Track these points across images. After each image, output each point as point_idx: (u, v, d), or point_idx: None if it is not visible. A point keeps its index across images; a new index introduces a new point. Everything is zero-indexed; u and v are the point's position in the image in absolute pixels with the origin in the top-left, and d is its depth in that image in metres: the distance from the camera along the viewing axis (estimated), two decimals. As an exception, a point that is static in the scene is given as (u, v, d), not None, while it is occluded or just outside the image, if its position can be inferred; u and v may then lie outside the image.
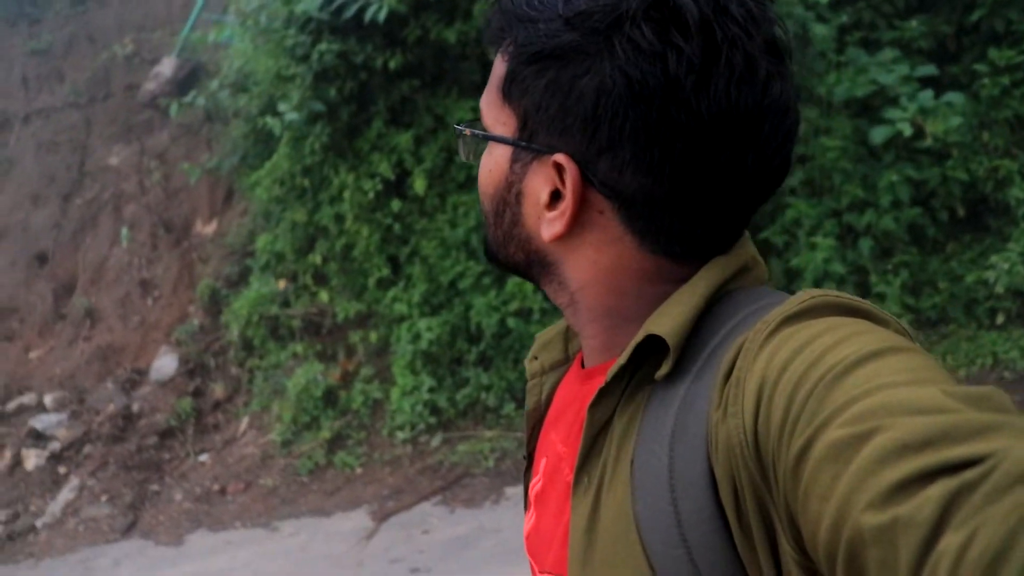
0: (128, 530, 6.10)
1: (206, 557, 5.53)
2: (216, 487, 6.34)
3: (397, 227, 6.47)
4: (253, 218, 8.59)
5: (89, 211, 9.68)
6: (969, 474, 0.47)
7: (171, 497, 6.38)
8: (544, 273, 0.84)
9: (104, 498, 6.46)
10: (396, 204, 6.30)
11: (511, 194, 0.81)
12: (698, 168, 0.72)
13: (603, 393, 0.76)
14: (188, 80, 9.91)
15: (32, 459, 7.17)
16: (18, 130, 10.35)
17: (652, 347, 0.74)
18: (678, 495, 0.67)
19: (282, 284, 6.74)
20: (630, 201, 0.75)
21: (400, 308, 6.37)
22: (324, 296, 6.59)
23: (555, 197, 0.78)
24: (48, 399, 7.87)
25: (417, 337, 6.25)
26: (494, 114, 0.80)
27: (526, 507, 0.95)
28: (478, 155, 0.85)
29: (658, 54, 0.69)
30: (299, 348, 6.75)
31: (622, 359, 0.74)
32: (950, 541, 0.45)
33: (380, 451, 6.24)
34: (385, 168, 6.27)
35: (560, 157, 0.75)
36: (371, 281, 6.48)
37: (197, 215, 9.42)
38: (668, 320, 0.73)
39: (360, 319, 6.66)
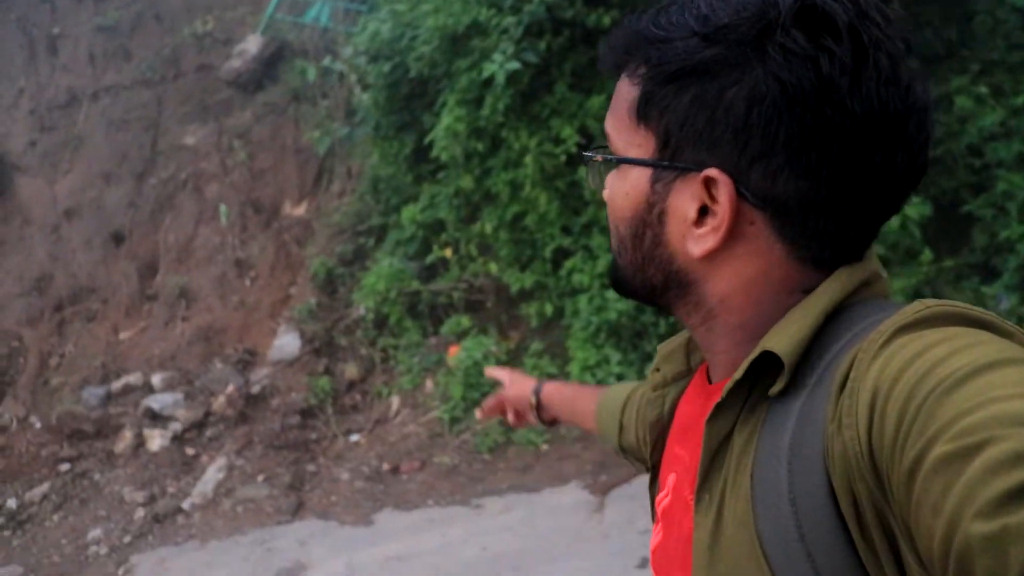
0: (297, 510, 5.55)
1: (408, 535, 5.02)
2: (386, 466, 5.82)
3: (574, 196, 6.09)
4: (360, 196, 8.12)
5: (166, 190, 9.09)
6: None
7: (335, 476, 5.83)
8: (682, 294, 0.82)
9: (260, 478, 5.89)
10: (584, 171, 5.89)
11: (652, 215, 0.79)
12: (854, 169, 0.72)
13: (720, 408, 0.76)
14: (274, 58, 9.42)
15: (156, 440, 6.56)
16: (87, 108, 9.71)
17: (769, 363, 0.73)
18: (799, 509, 0.66)
19: (448, 252, 6.27)
20: (784, 208, 0.74)
21: (580, 279, 5.97)
22: (492, 267, 6.14)
23: (702, 212, 0.77)
24: (156, 379, 7.25)
25: (601, 309, 5.85)
26: (627, 137, 0.80)
27: (654, 520, 0.93)
28: (602, 180, 0.85)
29: (811, 57, 0.69)
30: (464, 321, 6.28)
31: (737, 375, 0.74)
32: None
33: (565, 427, 5.80)
34: (569, 133, 5.88)
35: (712, 171, 0.74)
36: (547, 251, 6.07)
37: (285, 196, 8.91)
38: (784, 337, 0.72)
39: (528, 291, 6.23)
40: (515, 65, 5.33)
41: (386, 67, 6.80)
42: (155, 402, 6.87)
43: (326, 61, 8.29)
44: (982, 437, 0.51)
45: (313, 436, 6.33)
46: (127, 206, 9.06)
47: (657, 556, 0.89)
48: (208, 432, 6.67)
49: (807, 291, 0.77)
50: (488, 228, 6.13)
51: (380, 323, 6.96)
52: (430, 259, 6.40)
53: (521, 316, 6.40)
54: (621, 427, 1.33)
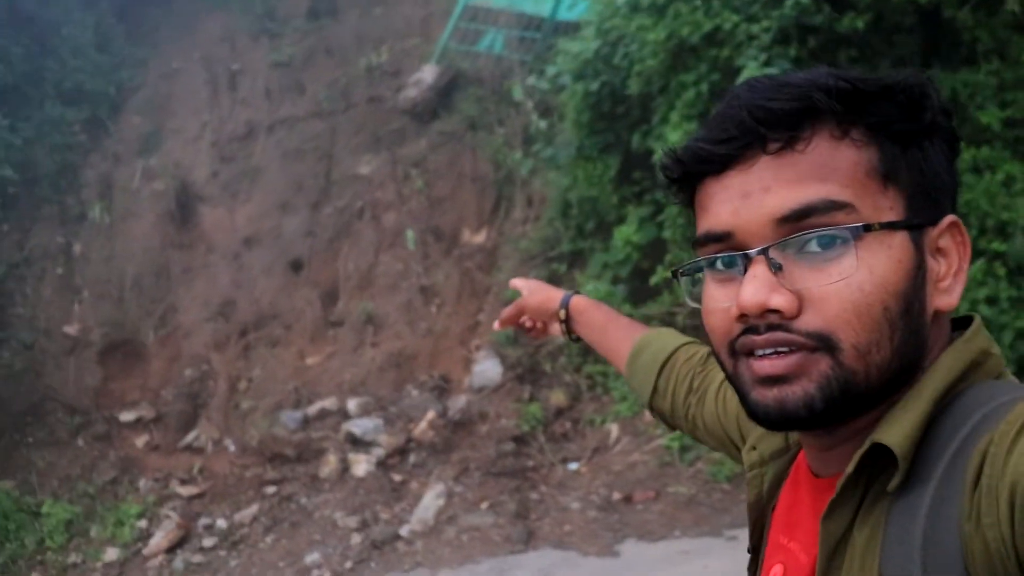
0: (529, 539, 5.21)
1: (664, 567, 4.63)
2: (617, 495, 5.45)
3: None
4: (549, 221, 7.88)
5: (342, 219, 9.01)
6: None
7: (564, 505, 5.48)
8: (912, 368, 0.75)
9: (484, 506, 5.58)
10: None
11: (919, 278, 0.74)
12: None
13: (835, 505, 0.73)
14: (449, 87, 9.32)
15: (362, 465, 6.33)
16: (263, 139, 9.76)
17: (883, 455, 0.71)
18: None
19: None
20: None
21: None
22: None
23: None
24: (351, 405, 7.06)
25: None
26: (875, 201, 0.74)
27: None
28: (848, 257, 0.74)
29: (948, 113, 0.78)
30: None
31: (849, 469, 0.72)
32: None
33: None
34: (805, 145, 5.51)
35: (950, 221, 0.77)
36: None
37: (463, 224, 8.73)
38: (896, 429, 0.70)
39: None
40: (775, 69, 5.00)
41: (594, 85, 6.56)
42: (356, 427, 6.66)
43: (516, 91, 8.11)
44: None
45: (530, 464, 6.01)
46: (305, 234, 9.00)
47: None
48: (412, 458, 6.42)
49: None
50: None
51: (586, 349, 6.64)
52: (655, 280, 6.07)
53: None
54: (655, 389, 1.28)
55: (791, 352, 0.72)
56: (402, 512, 5.79)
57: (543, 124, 8.83)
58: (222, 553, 5.92)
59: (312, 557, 5.53)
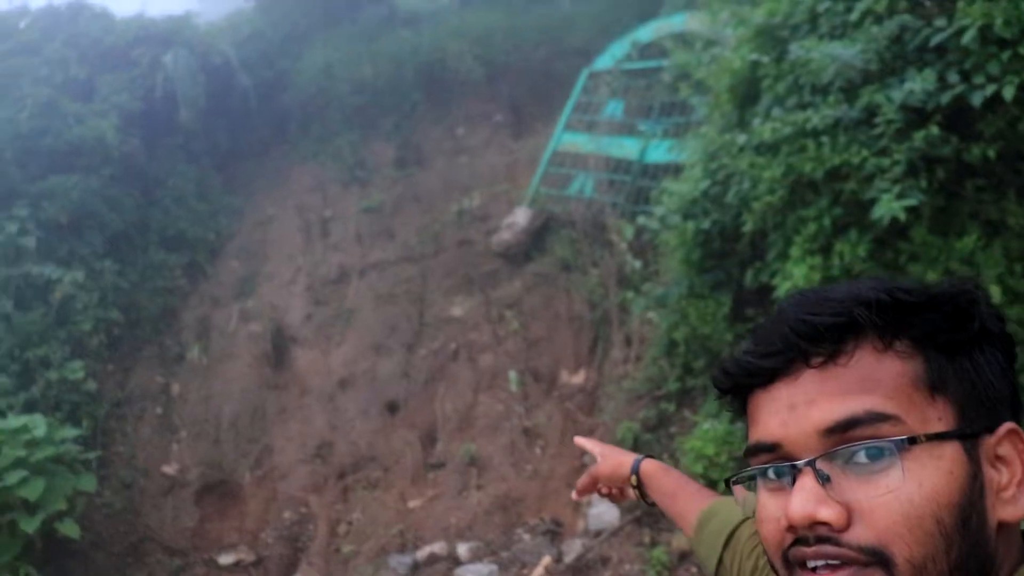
0: None
1: None
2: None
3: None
4: (654, 360, 7.81)
5: (437, 360, 9.01)
6: None
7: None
8: None
9: (625, 653, 5.31)
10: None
11: (975, 490, 0.72)
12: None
13: None
14: (542, 229, 9.48)
15: (486, 612, 6.09)
16: (355, 283, 9.93)
17: None
18: None
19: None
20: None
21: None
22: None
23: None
24: (462, 549, 6.85)
25: None
26: (922, 412, 0.73)
27: None
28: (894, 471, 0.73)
29: (999, 317, 0.79)
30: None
31: None
32: None
33: None
34: (934, 278, 5.45)
35: (1008, 428, 0.75)
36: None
37: (561, 365, 8.68)
38: None
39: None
40: (913, 201, 5.00)
41: (705, 224, 6.62)
42: (470, 573, 6.44)
43: (626, 231, 8.23)
44: None
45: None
46: (400, 376, 9.00)
47: None
48: (534, 605, 6.16)
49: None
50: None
51: (712, 483, 6.42)
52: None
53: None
54: (720, 561, 1.25)
55: (843, 566, 0.71)
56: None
57: (638, 264, 8.90)
58: None
59: None
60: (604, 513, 6.60)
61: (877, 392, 0.72)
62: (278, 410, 8.96)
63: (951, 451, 0.71)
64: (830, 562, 0.71)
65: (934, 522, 0.69)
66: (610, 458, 1.57)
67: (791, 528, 0.73)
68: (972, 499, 0.71)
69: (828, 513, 0.71)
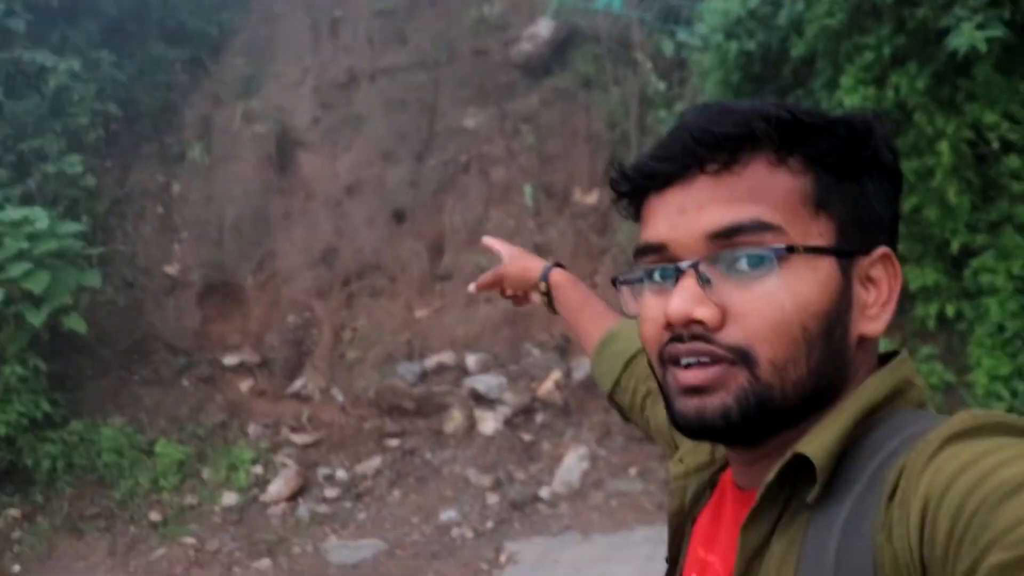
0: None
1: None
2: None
3: (986, 190, 5.37)
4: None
5: (447, 171, 8.71)
6: None
7: (715, 476, 5.24)
8: (833, 389, 0.76)
9: (632, 471, 5.32)
10: (1015, 160, 5.16)
11: (843, 304, 0.76)
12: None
13: (755, 516, 0.73)
14: (564, 43, 8.96)
15: (489, 423, 6.08)
16: (365, 88, 9.44)
17: (805, 470, 0.71)
18: None
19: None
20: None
21: (990, 280, 5.22)
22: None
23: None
24: (471, 361, 6.80)
25: (1021, 312, 5.09)
26: (805, 226, 0.75)
27: None
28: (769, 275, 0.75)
29: (893, 150, 0.82)
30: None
31: (769, 478, 0.72)
32: None
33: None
34: (994, 120, 5.15)
35: (882, 252, 0.78)
36: (954, 247, 5.34)
37: (575, 183, 8.42)
38: (817, 442, 0.71)
39: (917, 291, 5.51)
40: (996, 32, 4.61)
41: (750, 44, 6.20)
42: (480, 383, 6.40)
43: (666, 45, 7.77)
44: None
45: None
46: (408, 185, 8.72)
47: None
48: (538, 418, 6.15)
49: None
50: (881, 218, 5.43)
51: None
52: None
53: (906, 316, 5.69)
54: (618, 382, 1.28)
55: (712, 364, 0.74)
56: (539, 473, 5.54)
57: (661, 86, 8.49)
58: (347, 504, 5.70)
59: (448, 514, 5.29)
60: (616, 334, 6.52)
61: (765, 203, 0.74)
62: (282, 214, 8.72)
63: (826, 265, 0.74)
64: (701, 359, 0.74)
65: (800, 328, 0.72)
66: (518, 260, 1.54)
67: (668, 326, 0.76)
68: (839, 311, 0.74)
69: (704, 312, 0.73)
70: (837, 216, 0.76)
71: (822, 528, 0.68)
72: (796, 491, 0.72)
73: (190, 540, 5.70)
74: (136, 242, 8.32)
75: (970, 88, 5.30)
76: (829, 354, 0.74)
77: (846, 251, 0.75)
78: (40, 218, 6.63)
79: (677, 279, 0.75)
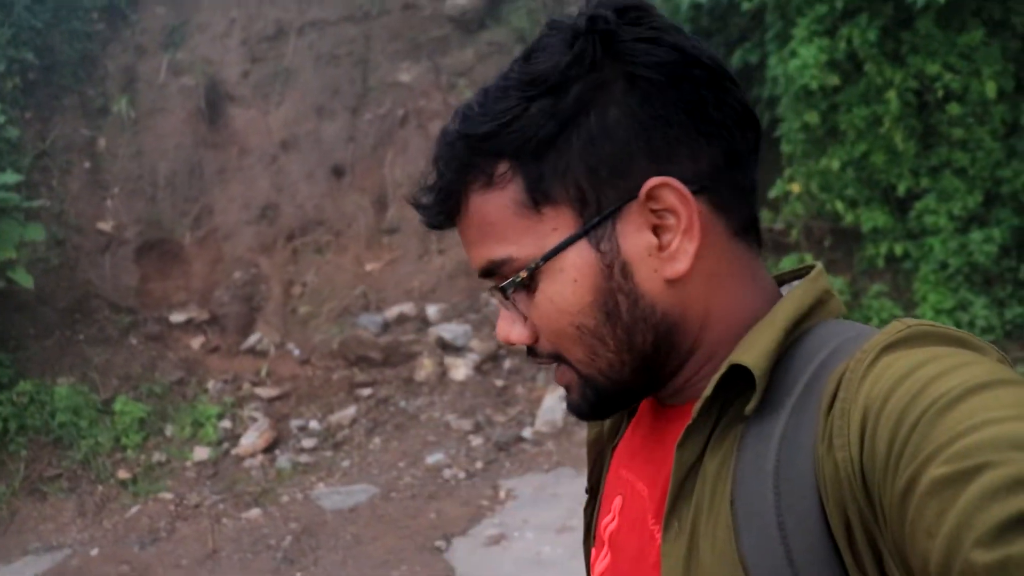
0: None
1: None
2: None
3: (928, 136, 5.73)
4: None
5: (384, 126, 8.62)
6: None
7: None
8: (674, 343, 0.72)
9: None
10: (955, 108, 5.53)
11: (615, 276, 0.70)
12: (727, 117, 0.71)
13: (690, 432, 0.69)
14: (497, -2, 8.96)
15: (461, 370, 6.14)
16: (294, 41, 9.19)
17: (738, 382, 0.68)
18: (788, 533, 0.62)
19: (796, 188, 5.86)
20: (712, 183, 0.70)
21: (932, 220, 5.60)
22: (839, 205, 5.75)
23: (654, 234, 0.70)
24: (431, 311, 6.82)
25: (961, 250, 5.50)
26: (535, 234, 0.70)
27: (592, 543, 0.88)
28: (529, 301, 0.73)
29: (651, 39, 0.69)
30: (807, 258, 5.90)
31: (707, 392, 0.68)
32: None
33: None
34: (936, 71, 5.50)
35: (649, 184, 0.68)
36: (901, 190, 5.69)
37: (514, 138, 8.47)
38: (752, 351, 0.67)
39: (866, 232, 5.85)
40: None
41: (704, -1, 6.38)
42: (446, 332, 6.44)
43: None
44: (979, 461, 0.49)
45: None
46: (346, 140, 8.59)
47: None
48: (506, 364, 6.26)
49: (762, 281, 0.75)
50: (835, 164, 5.74)
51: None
52: (773, 193, 6.01)
53: (856, 256, 6.03)
54: None
55: (558, 364, 0.75)
56: (519, 415, 5.65)
57: (596, 41, 8.60)
58: (327, 453, 5.69)
59: (435, 457, 5.35)
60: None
61: (491, 237, 0.71)
62: (217, 169, 8.45)
63: (573, 257, 0.70)
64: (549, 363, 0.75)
65: (575, 329, 0.71)
66: None
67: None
68: (610, 288, 0.70)
69: (518, 335, 0.74)
70: (565, 198, 0.69)
71: (758, 440, 0.66)
72: (729, 404, 0.70)
73: (167, 496, 5.57)
74: (64, 198, 7.91)
75: (913, 41, 5.63)
76: (626, 328, 0.71)
77: (594, 224, 0.69)
78: (-23, 169, 6.25)
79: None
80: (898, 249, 5.72)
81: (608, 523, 0.83)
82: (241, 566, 4.66)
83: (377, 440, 5.67)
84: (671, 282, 0.70)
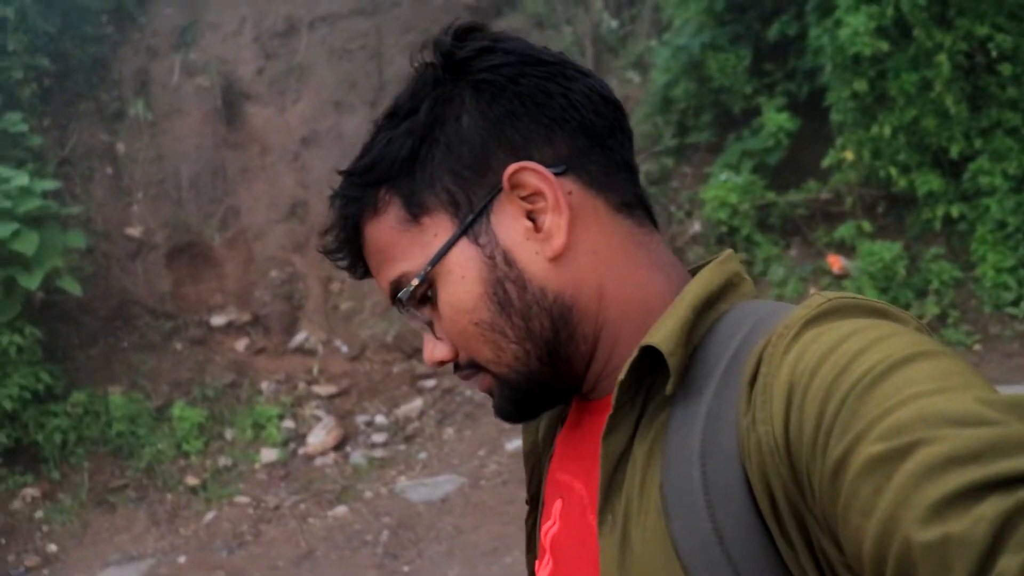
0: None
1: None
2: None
3: (978, 98, 5.77)
4: (647, 117, 7.68)
5: (405, 119, 8.53)
6: None
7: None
8: (571, 324, 0.73)
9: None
10: (1007, 69, 5.57)
11: (499, 266, 0.71)
12: (576, 98, 0.73)
13: (614, 422, 0.69)
14: (509, -15, 8.88)
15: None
16: (306, 36, 9.06)
17: (658, 367, 0.67)
18: (717, 512, 0.61)
19: (849, 156, 5.87)
20: (577, 162, 0.73)
21: (988, 181, 5.65)
22: (892, 171, 5.76)
23: (530, 219, 0.72)
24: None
25: (1018, 208, 5.55)
26: (418, 248, 0.73)
27: (535, 553, 0.87)
28: (432, 308, 0.75)
29: (486, 48, 0.73)
30: (866, 225, 5.91)
31: (621, 376, 0.67)
32: (1009, 563, 0.42)
33: (991, 326, 5.51)
34: (985, 32, 5.54)
35: (508, 172, 0.71)
36: (954, 152, 5.72)
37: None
38: (660, 331, 0.67)
39: (921, 196, 5.88)
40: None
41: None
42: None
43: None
44: (912, 438, 0.48)
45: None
46: (367, 135, 8.48)
47: None
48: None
49: (662, 256, 0.76)
50: (886, 131, 5.75)
51: (721, 238, 6.55)
52: (827, 162, 6.01)
53: (908, 221, 6.06)
54: None
55: (472, 375, 0.77)
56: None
57: (614, 24, 8.57)
58: (401, 447, 5.62)
59: (514, 444, 5.30)
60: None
61: (386, 260, 0.75)
62: (239, 169, 8.31)
63: (456, 257, 0.72)
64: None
65: (474, 326, 0.72)
66: None
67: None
68: (497, 277, 0.72)
69: (441, 353, 0.75)
70: (436, 203, 0.73)
71: (684, 422, 0.66)
72: (653, 392, 0.70)
73: (243, 499, 5.47)
74: (90, 205, 7.74)
75: (960, 3, 5.65)
76: (521, 315, 0.72)
77: (469, 222, 0.72)
78: (16, 175, 6.07)
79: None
80: (954, 211, 5.76)
81: (549, 528, 0.82)
82: (340, 564, 4.59)
83: (450, 430, 5.60)
84: (555, 261, 0.72)
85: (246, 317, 7.22)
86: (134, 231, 7.71)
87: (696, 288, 0.71)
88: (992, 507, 0.44)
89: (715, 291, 0.71)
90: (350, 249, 0.77)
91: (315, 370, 6.65)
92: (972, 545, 0.43)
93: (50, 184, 6.27)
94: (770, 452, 0.57)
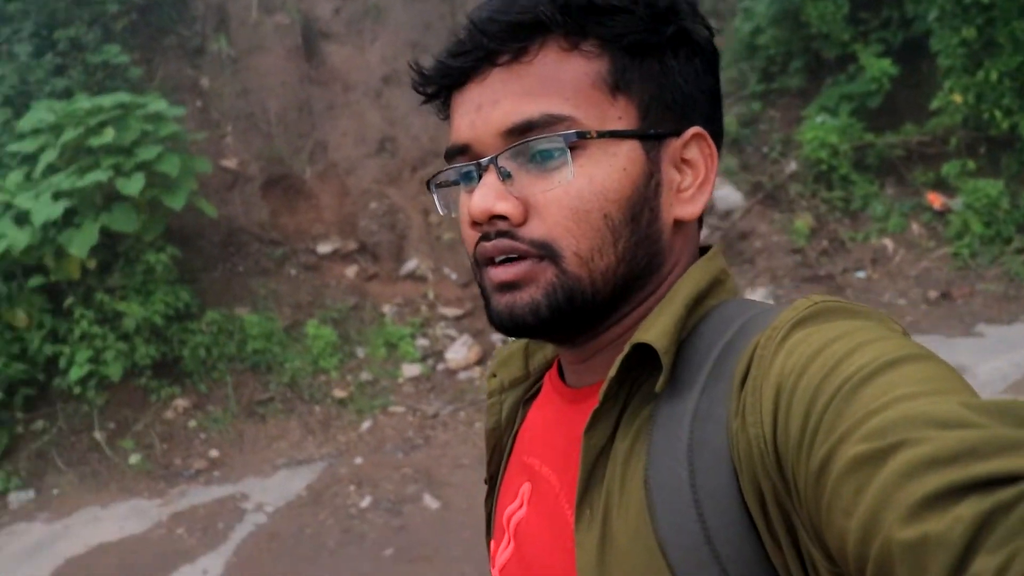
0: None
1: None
2: (934, 293, 5.87)
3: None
4: (732, 63, 7.98)
5: (483, 61, 8.70)
6: (1003, 494, 0.43)
7: (887, 302, 5.86)
8: (649, 280, 0.74)
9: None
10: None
11: (650, 188, 0.71)
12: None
13: (598, 415, 0.69)
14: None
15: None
16: (380, -24, 9.16)
17: (644, 362, 0.68)
18: (704, 510, 0.61)
19: (958, 99, 6.25)
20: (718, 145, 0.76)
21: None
22: (997, 114, 6.17)
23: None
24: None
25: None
26: (601, 111, 0.70)
27: (492, 535, 0.87)
28: (565, 166, 0.71)
29: (706, 26, 0.76)
30: (971, 164, 6.32)
31: (611, 373, 0.68)
32: (985, 564, 0.42)
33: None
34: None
35: (692, 133, 0.73)
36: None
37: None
38: (654, 329, 0.68)
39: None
40: None
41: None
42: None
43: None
44: (895, 439, 0.48)
45: (821, 272, 6.31)
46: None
47: (509, 573, 0.79)
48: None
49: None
50: (993, 76, 6.15)
51: (818, 177, 6.92)
52: (936, 103, 6.40)
53: (1006, 162, 6.48)
54: None
55: (520, 259, 0.71)
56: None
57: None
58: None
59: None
60: (728, 196, 6.96)
61: (556, 93, 0.70)
62: (325, 106, 8.41)
63: (628, 149, 0.70)
64: (509, 256, 0.71)
65: (601, 216, 0.69)
66: None
67: (475, 224, 0.72)
68: (646, 196, 0.71)
69: (504, 207, 0.70)
70: (639, 98, 0.71)
71: (670, 418, 0.66)
72: (637, 386, 0.70)
73: (398, 409, 5.70)
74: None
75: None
76: (638, 240, 0.71)
77: (651, 135, 0.72)
78: (153, 100, 6.15)
79: (480, 177, 0.72)
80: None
81: (514, 511, 0.81)
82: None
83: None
84: (676, 223, 0.73)
85: (352, 246, 7.39)
86: (229, 163, 7.78)
87: (687, 287, 0.71)
88: (970, 508, 0.44)
89: (704, 290, 0.72)
90: (511, 37, 0.70)
91: (430, 295, 6.87)
92: (949, 545, 0.43)
93: (178, 110, 6.34)
94: (759, 454, 0.57)
